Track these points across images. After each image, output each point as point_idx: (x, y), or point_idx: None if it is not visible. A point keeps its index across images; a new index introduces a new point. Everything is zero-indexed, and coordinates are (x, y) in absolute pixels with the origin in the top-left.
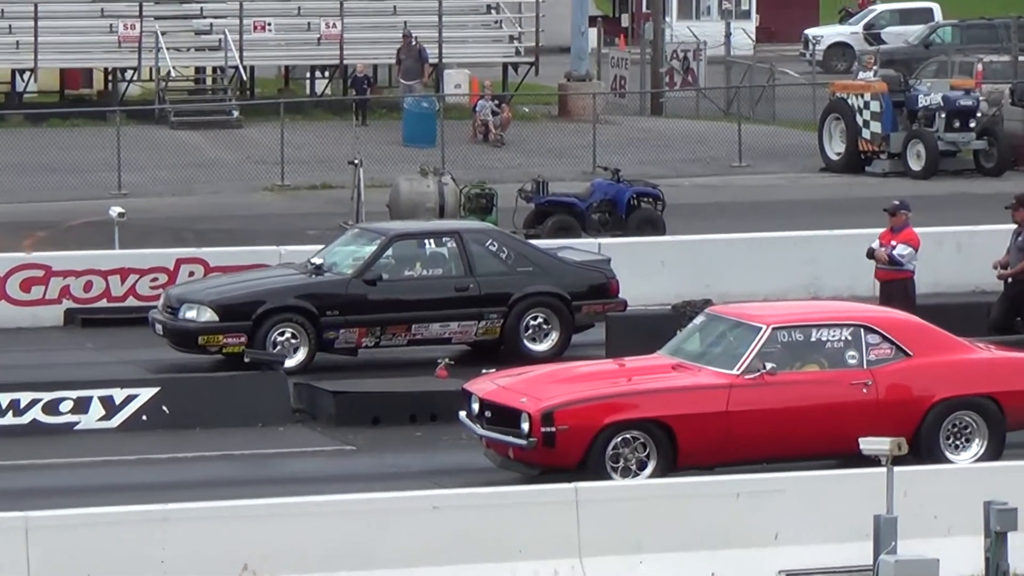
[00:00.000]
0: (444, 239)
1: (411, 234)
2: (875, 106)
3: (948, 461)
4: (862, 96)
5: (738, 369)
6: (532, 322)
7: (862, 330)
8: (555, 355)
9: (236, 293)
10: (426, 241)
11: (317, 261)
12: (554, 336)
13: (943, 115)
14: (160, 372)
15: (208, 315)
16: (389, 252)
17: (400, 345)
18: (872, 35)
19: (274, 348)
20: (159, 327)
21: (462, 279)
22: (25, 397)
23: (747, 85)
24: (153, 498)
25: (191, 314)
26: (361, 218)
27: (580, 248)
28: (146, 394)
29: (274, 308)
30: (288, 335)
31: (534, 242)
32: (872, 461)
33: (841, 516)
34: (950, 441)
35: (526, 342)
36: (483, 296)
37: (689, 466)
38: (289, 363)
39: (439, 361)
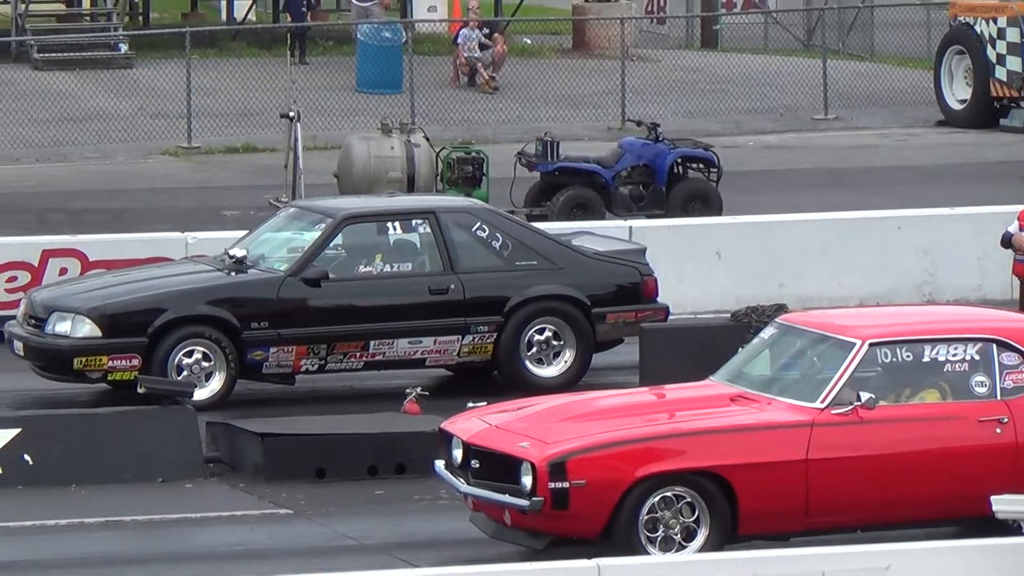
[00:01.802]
0: (414, 222)
1: (368, 214)
2: (1013, 35)
3: None
4: (995, 21)
5: (822, 401)
6: (537, 337)
7: (994, 346)
8: (569, 382)
9: (125, 298)
10: (389, 224)
11: (238, 253)
12: (567, 356)
13: None
14: (21, 408)
15: (87, 328)
16: (338, 240)
17: (354, 369)
18: None
19: (179, 374)
20: (18, 345)
21: (439, 277)
22: None
23: (835, 7)
24: None
25: (63, 327)
26: (299, 193)
27: (603, 234)
28: (1, 438)
29: (178, 319)
30: (197, 356)
31: (540, 225)
32: (1008, 527)
33: None
34: None
35: (529, 364)
36: (469, 300)
37: (754, 535)
38: (199, 395)
39: (408, 392)
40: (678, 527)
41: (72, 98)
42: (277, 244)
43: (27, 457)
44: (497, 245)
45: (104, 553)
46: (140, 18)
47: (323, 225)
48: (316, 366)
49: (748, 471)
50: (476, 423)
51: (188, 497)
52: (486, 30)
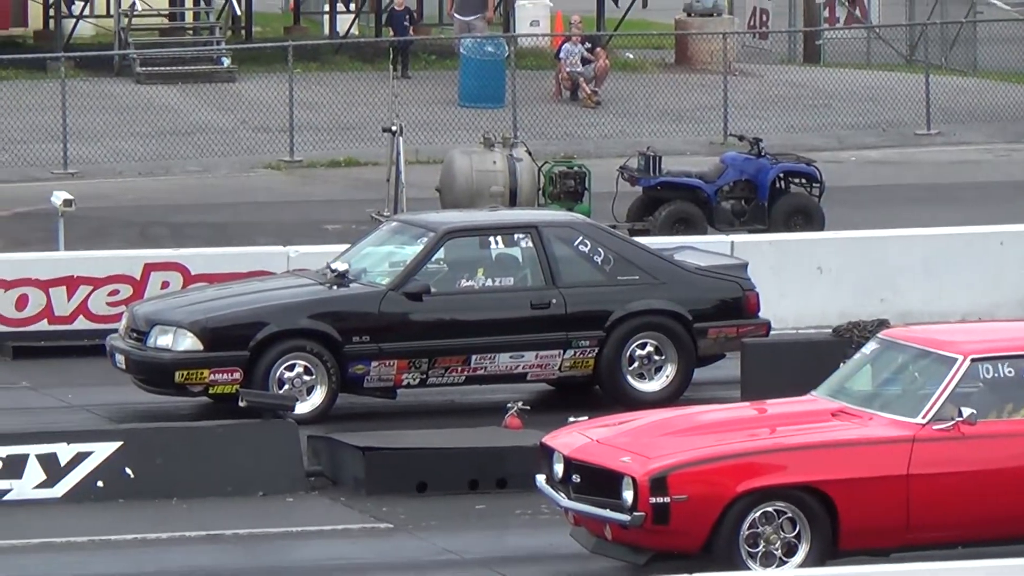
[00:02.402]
0: (517, 236)
1: (471, 229)
2: None
3: None
4: None
5: (924, 417)
6: (639, 352)
7: None
8: (671, 397)
9: (227, 312)
10: (492, 239)
11: (340, 267)
12: (669, 371)
13: None
14: (123, 421)
15: (189, 342)
16: (440, 254)
17: (455, 383)
18: None
19: (280, 388)
20: (120, 358)
21: (541, 292)
22: None
23: (938, 22)
24: None
25: (165, 340)
26: (401, 207)
27: (705, 249)
28: (103, 451)
29: (280, 332)
30: (299, 370)
31: (642, 240)
32: None
33: None
34: None
35: (630, 379)
36: (570, 315)
37: (855, 550)
38: (301, 408)
39: (509, 406)
40: (779, 542)
41: (174, 112)
42: (379, 258)
43: (128, 470)
44: (599, 260)
45: (204, 567)
46: (243, 32)
47: (425, 239)
48: (417, 380)
49: (849, 486)
50: (577, 438)
51: (289, 511)
52: (588, 44)
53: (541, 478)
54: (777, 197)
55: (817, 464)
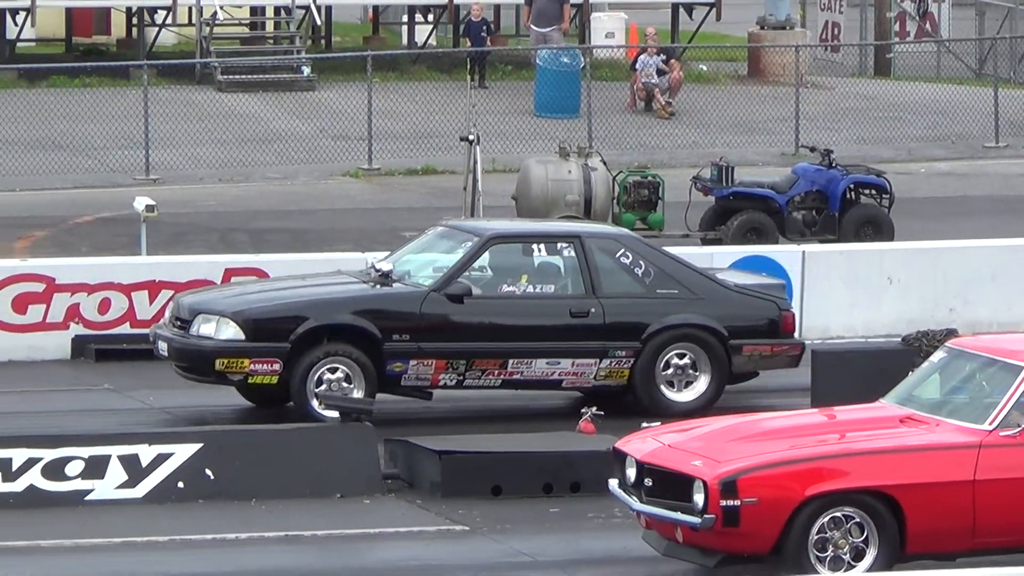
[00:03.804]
0: (560, 245)
1: (515, 236)
2: None
3: None
4: None
5: (991, 423)
6: (675, 361)
7: None
8: (702, 408)
9: (270, 304)
10: (535, 247)
11: (384, 267)
12: (702, 383)
13: None
14: (203, 423)
15: (231, 331)
16: (484, 259)
17: (491, 386)
18: None
19: (318, 387)
20: (162, 345)
21: (581, 300)
22: (19, 456)
23: (1007, 36)
24: None
25: (208, 329)
26: (478, 215)
27: (745, 270)
28: (184, 452)
29: (321, 327)
30: (341, 372)
31: (680, 254)
32: None
33: None
34: None
35: (664, 390)
36: (608, 325)
37: (922, 554)
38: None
39: (583, 411)
40: (847, 547)
41: (254, 119)
42: (424, 261)
43: (208, 472)
44: (640, 272)
45: (283, 567)
46: (322, 42)
47: (469, 244)
48: (454, 381)
49: (916, 491)
50: (649, 443)
51: (366, 513)
52: (663, 56)
53: (614, 482)
54: (847, 208)
55: (885, 469)
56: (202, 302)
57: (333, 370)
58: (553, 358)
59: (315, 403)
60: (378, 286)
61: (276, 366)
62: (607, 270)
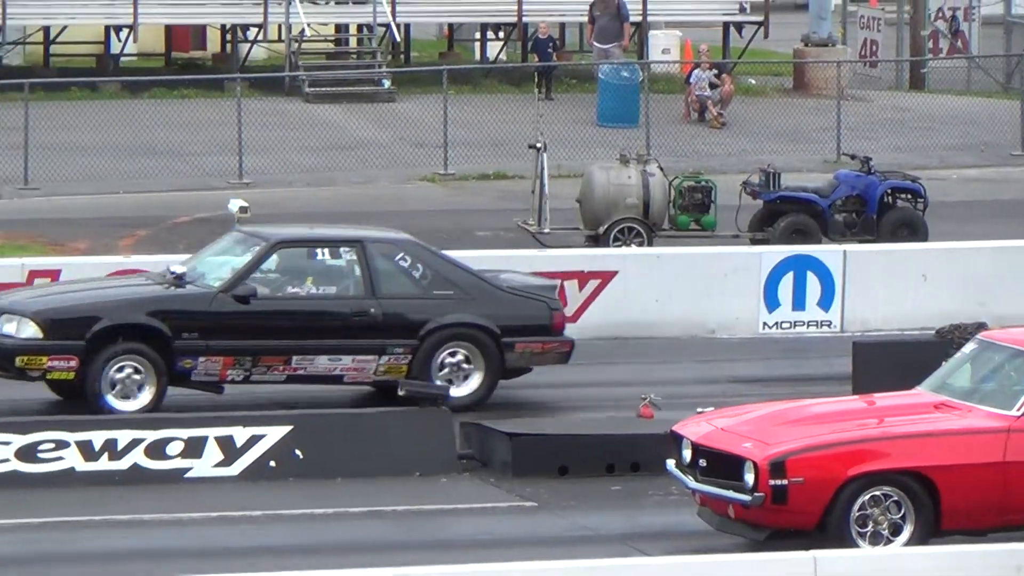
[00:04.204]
0: (342, 250)
1: (300, 241)
2: None
3: None
4: None
5: (1019, 410)
6: (449, 360)
7: None
8: (476, 403)
9: (68, 304)
10: (319, 251)
11: (178, 269)
12: (476, 379)
13: None
14: (293, 407)
15: (31, 330)
16: (270, 262)
17: (277, 381)
18: None
19: (112, 388)
20: None
21: (361, 301)
22: (124, 436)
23: None
24: (283, 563)
25: (10, 328)
26: (544, 217)
27: (521, 271)
28: (275, 434)
29: (115, 326)
30: (129, 368)
31: (451, 255)
32: None
33: None
34: None
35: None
36: (387, 324)
37: (955, 530)
38: (130, 405)
39: (643, 398)
40: (886, 523)
41: (339, 128)
42: (217, 264)
43: (298, 452)
44: (417, 275)
45: (366, 541)
46: (402, 57)
47: (257, 248)
48: (242, 377)
49: (950, 472)
50: (704, 426)
51: (442, 490)
52: (715, 71)
53: (671, 462)
54: (885, 211)
55: (921, 452)
56: (8, 303)
57: (121, 368)
58: (335, 355)
59: (109, 398)
60: (172, 287)
61: (73, 363)
62: (387, 273)
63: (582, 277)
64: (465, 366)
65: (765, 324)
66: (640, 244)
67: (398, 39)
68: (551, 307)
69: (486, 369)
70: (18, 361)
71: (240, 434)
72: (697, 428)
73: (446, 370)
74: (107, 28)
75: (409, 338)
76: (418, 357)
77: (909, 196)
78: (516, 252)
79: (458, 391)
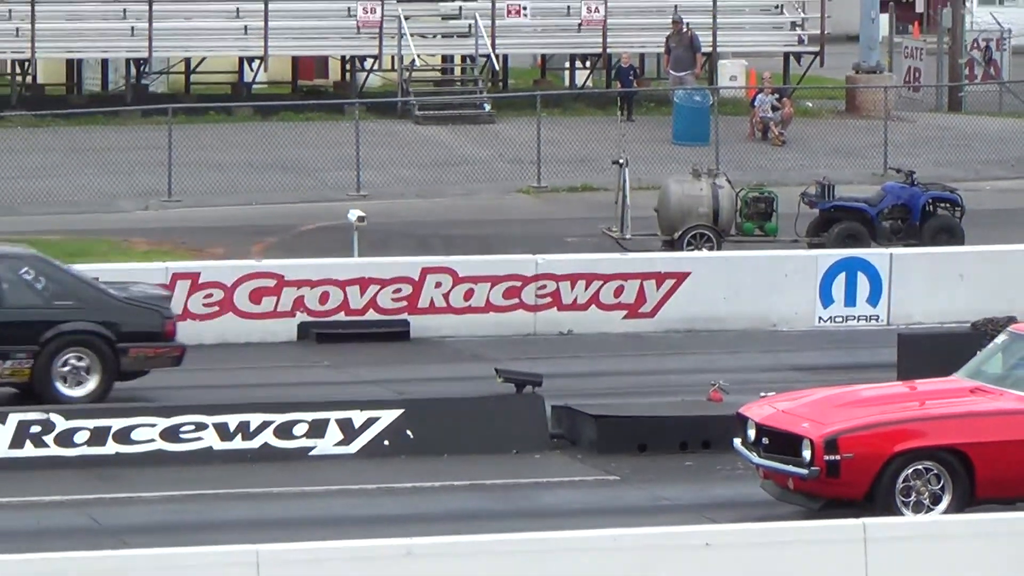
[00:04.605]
0: None
1: None
2: None
3: None
4: None
5: None
6: (70, 363)
7: None
8: (95, 402)
9: None
10: None
11: None
12: (94, 381)
13: None
14: (404, 393)
15: None
16: None
17: None
18: None
19: None
20: None
21: None
22: (255, 419)
23: None
24: (396, 531)
25: None
26: (626, 225)
27: (146, 283)
28: (388, 417)
29: None
30: None
31: (79, 270)
32: None
33: None
34: None
35: (59, 386)
36: (9, 332)
37: (989, 500)
38: None
39: (712, 384)
40: (927, 493)
41: (444, 147)
42: None
43: (409, 432)
44: (40, 287)
45: (470, 510)
46: (500, 84)
47: None
48: None
49: (984, 448)
50: (766, 409)
51: (537, 465)
52: (777, 95)
53: (737, 440)
54: (927, 218)
55: (958, 430)
56: None
57: None
58: None
59: None
60: None
61: None
62: (11, 285)
63: (659, 277)
64: (84, 370)
65: (820, 318)
66: (710, 248)
67: (497, 68)
68: (164, 316)
69: (103, 372)
70: None
71: (358, 417)
72: (760, 410)
73: (67, 370)
74: (241, 59)
75: (31, 344)
76: (39, 362)
77: (948, 205)
78: (602, 255)
79: (77, 392)
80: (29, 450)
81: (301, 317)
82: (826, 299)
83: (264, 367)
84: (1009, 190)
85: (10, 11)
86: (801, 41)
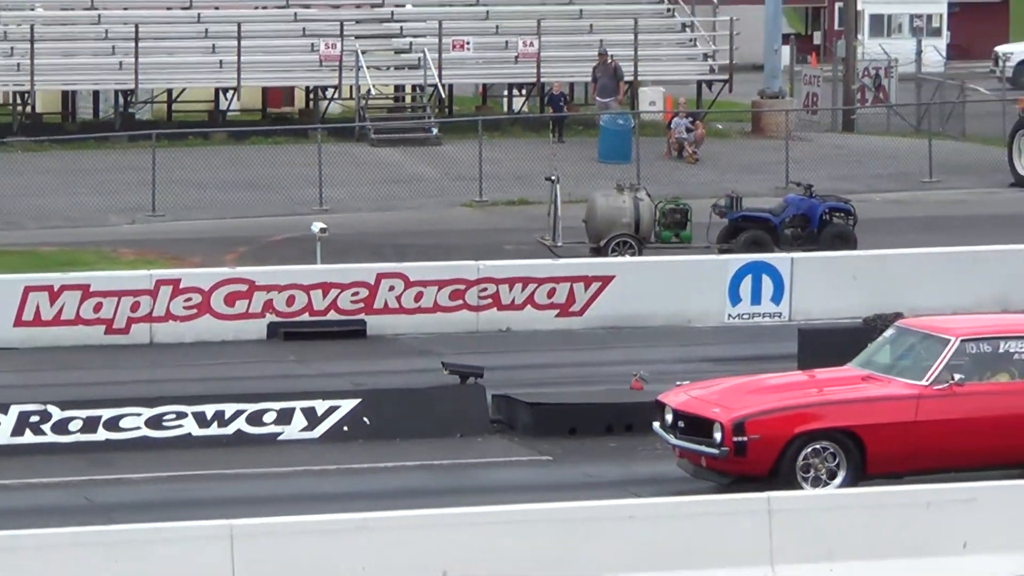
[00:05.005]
0: None
1: None
2: None
3: None
4: None
5: (927, 380)
6: None
7: None
8: None
9: None
10: None
11: None
12: None
13: None
14: (361, 384)
15: None
16: None
17: None
18: None
19: None
20: None
21: None
22: (230, 408)
23: (938, 102)
24: (354, 507)
25: None
26: (558, 234)
27: None
28: (347, 405)
29: None
30: None
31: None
32: None
33: None
34: None
35: None
36: None
37: (878, 475)
38: None
39: (634, 374)
40: (824, 469)
41: (396, 166)
42: None
43: (365, 419)
44: None
45: (419, 487)
46: (446, 110)
47: None
48: None
49: (874, 429)
50: (682, 396)
51: (479, 448)
52: (691, 118)
53: (656, 424)
54: (824, 226)
55: (852, 414)
56: None
57: None
58: None
59: None
60: None
61: None
62: None
63: (587, 280)
64: None
65: (729, 315)
66: (632, 254)
67: (443, 96)
68: None
69: None
70: None
71: (320, 406)
72: (677, 397)
73: None
74: (216, 90)
75: None
76: None
77: (842, 215)
78: (536, 261)
79: None
80: (29, 437)
81: (270, 318)
82: (734, 298)
83: (237, 362)
84: (897, 201)
85: (12, 48)
86: (712, 70)
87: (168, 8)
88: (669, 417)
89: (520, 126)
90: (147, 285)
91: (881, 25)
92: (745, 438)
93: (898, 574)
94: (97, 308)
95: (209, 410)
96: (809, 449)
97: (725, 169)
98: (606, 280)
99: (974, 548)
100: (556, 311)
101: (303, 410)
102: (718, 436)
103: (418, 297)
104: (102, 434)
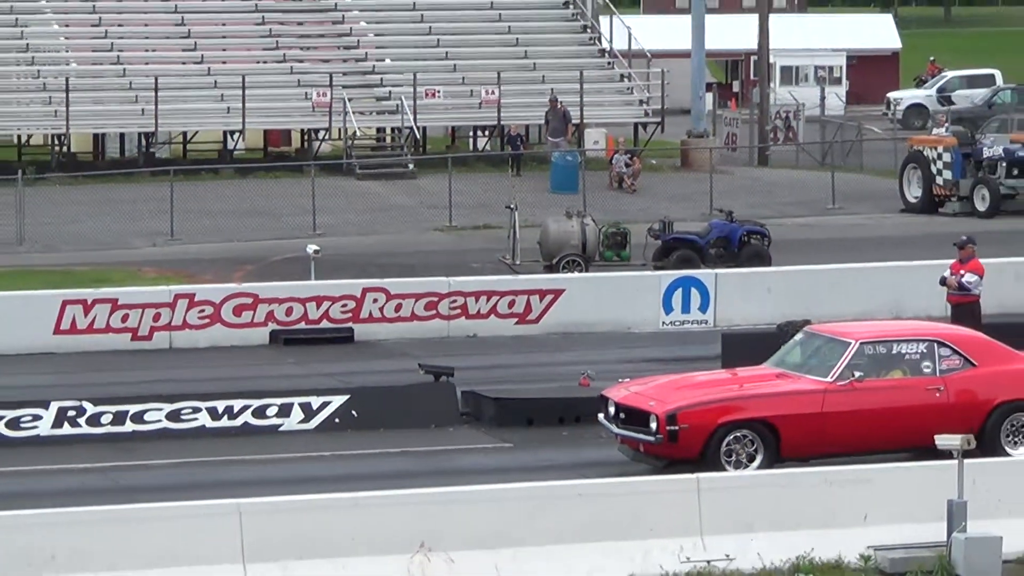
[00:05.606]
0: None
1: None
2: (947, 157)
3: (1008, 455)
4: (936, 149)
5: (831, 377)
6: None
7: (935, 344)
8: None
9: None
10: None
11: None
12: None
13: (1004, 164)
14: (350, 382)
15: None
16: None
17: None
18: (944, 97)
19: None
20: None
21: None
22: (237, 404)
23: (839, 140)
24: (346, 487)
25: None
26: (517, 253)
27: None
28: (338, 401)
29: None
30: None
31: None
32: (945, 454)
33: (920, 501)
34: (1010, 438)
35: None
36: None
37: (791, 458)
38: None
39: (583, 373)
40: (744, 454)
41: (378, 197)
42: None
43: (354, 412)
44: None
45: (400, 470)
46: (421, 148)
47: None
48: None
49: (788, 420)
50: (623, 391)
51: (450, 436)
52: (629, 155)
53: (601, 416)
54: (742, 247)
55: (768, 406)
56: None
57: None
58: None
59: None
60: None
61: None
62: None
63: (542, 293)
64: None
65: (663, 323)
66: (580, 271)
67: (418, 136)
68: None
69: None
70: None
71: (315, 401)
72: (619, 392)
73: None
74: (224, 132)
75: None
76: None
77: (758, 237)
78: (499, 277)
79: None
80: (66, 429)
81: (272, 326)
82: (667, 308)
83: (244, 364)
84: (805, 225)
85: (50, 97)
86: (647, 114)
87: (183, 63)
88: (612, 409)
89: (484, 162)
90: (167, 299)
91: (790, 75)
92: (677, 427)
93: (809, 542)
94: (124, 319)
95: (220, 405)
96: (731, 436)
97: (658, 198)
98: (558, 293)
99: (873, 520)
100: (516, 319)
101: (300, 405)
102: (654, 425)
103: (398, 308)
104: (129, 426)
